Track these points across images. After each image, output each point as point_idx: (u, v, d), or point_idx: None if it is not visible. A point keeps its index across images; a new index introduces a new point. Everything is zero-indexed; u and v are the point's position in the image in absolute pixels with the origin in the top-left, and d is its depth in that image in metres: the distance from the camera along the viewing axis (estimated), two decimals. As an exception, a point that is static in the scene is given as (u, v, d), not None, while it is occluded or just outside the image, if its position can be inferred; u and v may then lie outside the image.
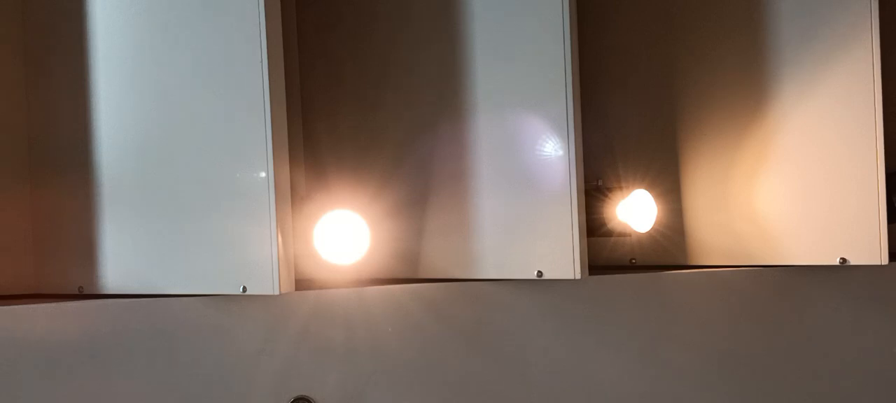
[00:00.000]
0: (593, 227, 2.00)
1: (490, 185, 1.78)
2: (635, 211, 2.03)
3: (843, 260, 1.83)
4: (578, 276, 1.71)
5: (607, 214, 2.03)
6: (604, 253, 2.12)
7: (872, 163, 1.78)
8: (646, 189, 2.04)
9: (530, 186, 1.74)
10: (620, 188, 2.04)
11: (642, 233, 2.06)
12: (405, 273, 1.86)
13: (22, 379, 1.60)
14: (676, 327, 1.92)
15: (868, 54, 1.78)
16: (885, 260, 1.79)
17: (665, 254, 2.08)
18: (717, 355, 1.94)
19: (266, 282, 1.59)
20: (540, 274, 1.74)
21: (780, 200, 1.91)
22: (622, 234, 2.06)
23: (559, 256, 1.72)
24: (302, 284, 1.72)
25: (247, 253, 1.61)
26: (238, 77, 1.59)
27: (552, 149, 1.71)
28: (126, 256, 1.72)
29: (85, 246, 1.76)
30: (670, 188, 2.07)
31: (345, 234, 1.74)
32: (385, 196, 1.86)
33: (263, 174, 1.58)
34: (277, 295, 1.60)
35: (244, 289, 1.61)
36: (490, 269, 1.79)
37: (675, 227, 2.07)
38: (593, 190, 2.02)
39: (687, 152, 2.05)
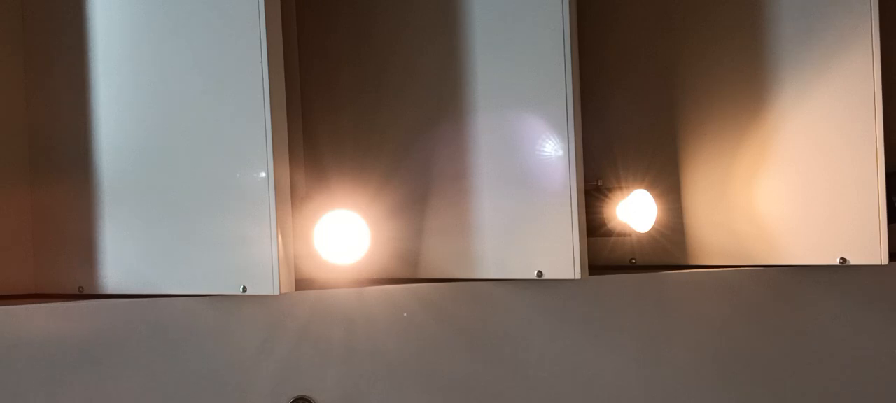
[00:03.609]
0: (593, 227, 2.00)
1: (490, 185, 1.78)
2: (635, 211, 2.03)
3: (843, 260, 1.83)
4: (578, 276, 1.71)
5: (607, 214, 2.03)
6: (604, 253, 2.12)
7: (872, 163, 1.78)
8: (646, 189, 2.04)
9: (530, 186, 1.74)
10: (620, 188, 2.04)
11: (642, 233, 2.06)
12: (405, 273, 1.86)
13: (22, 379, 1.60)
14: (676, 327, 1.92)
15: (868, 54, 1.78)
16: (885, 260, 1.79)
17: (665, 254, 2.08)
18: (717, 355, 1.94)
19: (266, 282, 1.59)
20: (540, 274, 1.74)
21: (780, 200, 1.91)
22: (622, 234, 2.06)
23: (559, 256, 1.72)
24: (302, 284, 1.72)
25: (247, 253, 1.61)
26: (238, 77, 1.59)
27: (552, 148, 1.71)
28: (126, 256, 1.72)
29: (85, 246, 1.75)
30: (670, 188, 2.07)
31: (345, 234, 1.74)
32: (385, 196, 1.86)
33: (263, 174, 1.58)
34: (277, 295, 1.60)
35: (244, 289, 1.61)
36: (490, 269, 1.79)
37: (675, 227, 2.07)
38: (593, 190, 2.02)
39: (687, 152, 2.05)
